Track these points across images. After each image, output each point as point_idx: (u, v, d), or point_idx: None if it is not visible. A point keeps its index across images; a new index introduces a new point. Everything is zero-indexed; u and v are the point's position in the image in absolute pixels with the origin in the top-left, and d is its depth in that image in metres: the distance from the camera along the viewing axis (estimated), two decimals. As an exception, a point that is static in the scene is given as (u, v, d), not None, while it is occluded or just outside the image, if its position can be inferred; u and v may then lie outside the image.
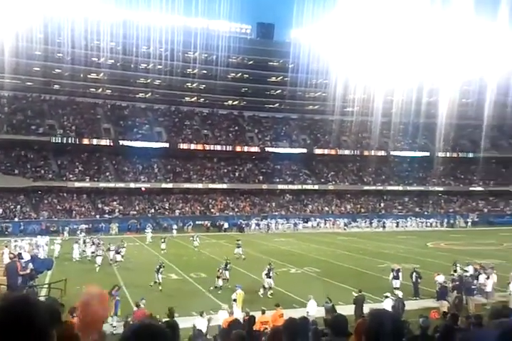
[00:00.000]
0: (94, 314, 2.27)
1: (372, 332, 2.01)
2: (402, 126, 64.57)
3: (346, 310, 12.98)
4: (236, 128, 64.74)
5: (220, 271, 19.42)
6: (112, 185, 51.22)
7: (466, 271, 18.94)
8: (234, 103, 69.30)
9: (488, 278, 18.25)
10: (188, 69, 64.21)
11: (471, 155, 65.57)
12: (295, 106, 69.48)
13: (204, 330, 11.21)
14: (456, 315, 9.11)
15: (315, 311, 13.58)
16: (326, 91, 67.21)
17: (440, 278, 17.76)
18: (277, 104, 70.60)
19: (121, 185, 51.45)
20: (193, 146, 58.11)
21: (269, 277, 18.58)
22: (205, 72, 64.78)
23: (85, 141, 52.76)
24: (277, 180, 58.75)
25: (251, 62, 67.79)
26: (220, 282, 18.83)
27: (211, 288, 18.80)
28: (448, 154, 64.54)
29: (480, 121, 66.83)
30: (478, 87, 62.24)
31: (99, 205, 49.24)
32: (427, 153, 64.71)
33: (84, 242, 29.30)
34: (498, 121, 64.27)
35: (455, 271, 19.23)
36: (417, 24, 58.69)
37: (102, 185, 50.76)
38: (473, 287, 17.37)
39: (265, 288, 18.25)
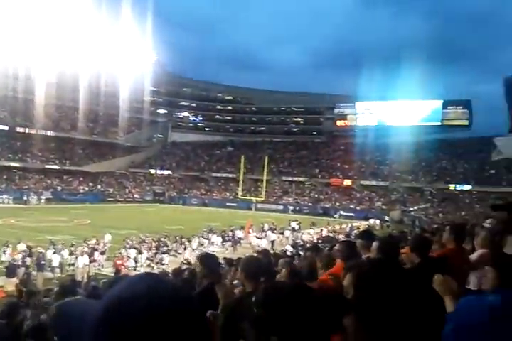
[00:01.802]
0: None
1: None
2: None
3: None
4: None
5: None
6: None
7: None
8: None
9: (54, 252, 18.83)
10: None
11: (50, 133, 65.85)
12: None
13: None
14: (22, 291, 8.90)
15: None
16: None
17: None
18: None
19: None
20: None
21: None
22: None
23: None
24: None
25: None
26: None
27: None
28: (27, 130, 62.78)
29: (65, 102, 68.45)
30: (72, 74, 63.34)
31: None
32: (6, 127, 61.05)
33: None
34: (83, 105, 66.72)
35: (4, 251, 18.79)
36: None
37: None
38: (42, 262, 17.56)
39: None
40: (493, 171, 54.96)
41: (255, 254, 7.71)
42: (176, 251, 23.35)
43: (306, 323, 1.17)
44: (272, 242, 26.96)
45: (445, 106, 69.70)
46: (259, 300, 1.26)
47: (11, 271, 16.16)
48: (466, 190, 54.09)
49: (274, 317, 1.17)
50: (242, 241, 27.90)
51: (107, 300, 0.72)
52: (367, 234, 4.87)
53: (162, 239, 23.73)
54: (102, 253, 20.47)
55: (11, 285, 14.48)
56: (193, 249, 23.16)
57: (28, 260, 17.49)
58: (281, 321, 1.16)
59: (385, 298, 1.25)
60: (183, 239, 24.43)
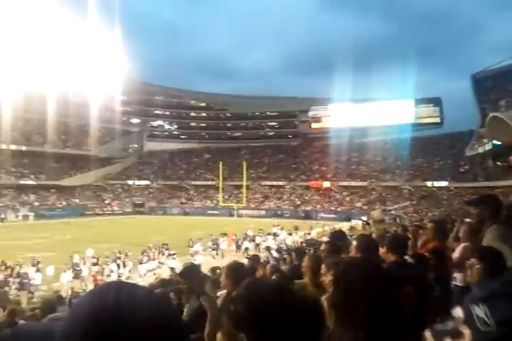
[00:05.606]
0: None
1: None
2: None
3: None
4: None
5: None
6: None
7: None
8: None
9: (37, 271, 18.57)
10: None
11: (23, 148, 64.74)
12: None
13: None
14: (14, 310, 8.96)
15: None
16: None
17: None
18: None
19: None
20: None
21: None
22: None
23: None
24: None
25: None
26: None
27: None
28: (0, 146, 61.45)
29: (34, 115, 67.04)
30: (41, 85, 62.08)
31: None
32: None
33: None
34: (53, 117, 65.27)
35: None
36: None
37: None
38: (25, 281, 17.30)
39: None
40: (467, 167, 56.05)
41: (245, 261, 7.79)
42: (160, 262, 23.24)
43: (282, 323, 1.19)
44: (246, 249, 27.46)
45: (416, 104, 70.95)
46: (239, 294, 1.25)
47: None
48: (443, 187, 54.99)
49: (252, 313, 1.16)
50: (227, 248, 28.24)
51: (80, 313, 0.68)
52: (340, 234, 5.04)
53: (146, 251, 23.55)
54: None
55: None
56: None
57: (11, 279, 17.26)
58: (258, 318, 1.19)
59: (365, 296, 1.34)
60: (167, 250, 24.36)
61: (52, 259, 20.81)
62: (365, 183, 61.15)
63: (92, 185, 69.67)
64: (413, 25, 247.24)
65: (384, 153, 66.10)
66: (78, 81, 67.99)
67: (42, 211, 55.61)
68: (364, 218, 43.93)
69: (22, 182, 60.97)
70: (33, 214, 52.55)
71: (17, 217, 50.88)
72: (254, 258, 8.21)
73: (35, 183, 62.14)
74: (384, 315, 1.34)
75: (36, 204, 58.23)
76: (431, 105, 70.58)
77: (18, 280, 17.35)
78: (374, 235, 6.93)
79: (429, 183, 56.42)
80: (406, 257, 3.82)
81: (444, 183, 55.12)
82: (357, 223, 41.23)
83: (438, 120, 70.28)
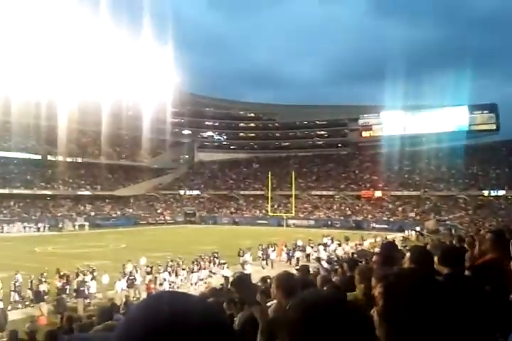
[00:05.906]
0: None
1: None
2: (10, 126, 60.18)
3: None
4: None
5: None
6: None
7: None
8: None
9: (92, 279, 19.05)
10: None
11: (79, 160, 67.39)
12: None
13: None
14: (71, 317, 9.31)
15: None
16: None
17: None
18: None
19: None
20: None
21: None
22: None
23: None
24: None
25: None
26: None
27: None
28: (57, 158, 64.24)
29: (89, 127, 69.83)
30: (95, 98, 64.81)
31: None
32: (38, 156, 62.71)
33: None
34: (107, 129, 67.80)
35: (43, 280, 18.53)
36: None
37: None
38: (82, 289, 17.81)
39: None
40: (526, 175, 53.55)
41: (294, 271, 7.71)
42: (211, 271, 23.41)
43: (337, 335, 1.18)
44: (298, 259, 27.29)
45: (471, 111, 68.63)
46: (296, 303, 1.20)
47: (37, 297, 16.46)
48: (500, 196, 52.66)
49: (307, 324, 1.12)
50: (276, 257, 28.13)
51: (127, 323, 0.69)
52: (391, 245, 4.89)
53: (197, 260, 23.74)
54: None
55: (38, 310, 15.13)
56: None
57: (68, 287, 17.87)
58: (313, 328, 1.17)
59: (416, 309, 1.29)
60: (217, 259, 24.54)
61: (106, 267, 21.40)
62: (418, 193, 59.47)
63: (145, 195, 71.51)
64: (467, 29, 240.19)
65: (437, 161, 64.11)
66: (131, 94, 70.33)
67: (97, 220, 57.57)
68: (418, 228, 42.85)
69: (79, 192, 63.48)
70: (87, 223, 54.44)
71: (74, 226, 52.80)
72: (303, 269, 8.11)
73: (91, 194, 64.52)
74: (435, 330, 1.29)
75: (92, 214, 60.37)
76: (486, 111, 68.06)
77: (75, 287, 17.90)
78: (428, 246, 6.70)
79: (485, 192, 54.21)
80: (462, 269, 3.67)
81: (501, 192, 52.82)
82: (410, 234, 40.18)
83: (494, 127, 67.63)
